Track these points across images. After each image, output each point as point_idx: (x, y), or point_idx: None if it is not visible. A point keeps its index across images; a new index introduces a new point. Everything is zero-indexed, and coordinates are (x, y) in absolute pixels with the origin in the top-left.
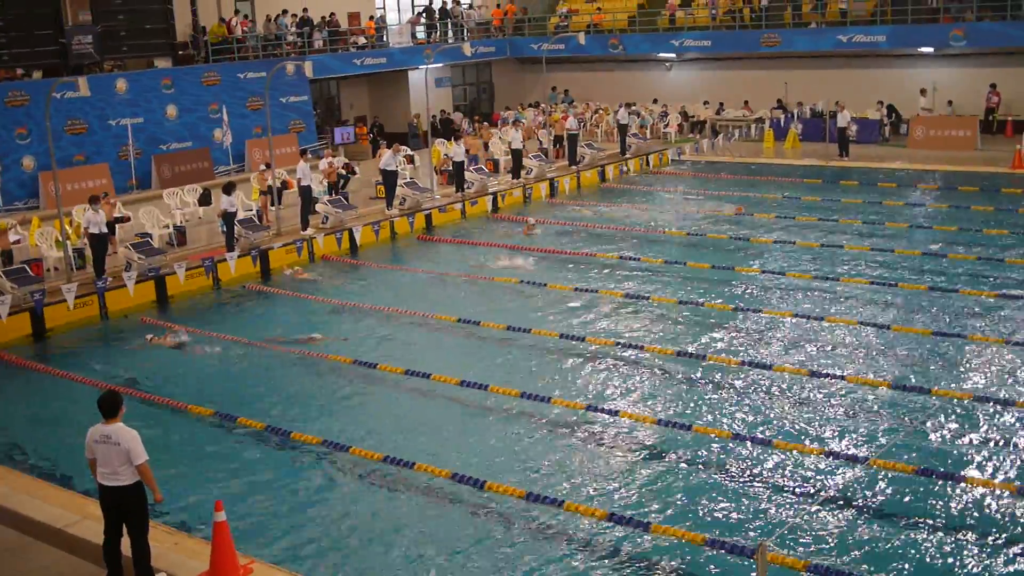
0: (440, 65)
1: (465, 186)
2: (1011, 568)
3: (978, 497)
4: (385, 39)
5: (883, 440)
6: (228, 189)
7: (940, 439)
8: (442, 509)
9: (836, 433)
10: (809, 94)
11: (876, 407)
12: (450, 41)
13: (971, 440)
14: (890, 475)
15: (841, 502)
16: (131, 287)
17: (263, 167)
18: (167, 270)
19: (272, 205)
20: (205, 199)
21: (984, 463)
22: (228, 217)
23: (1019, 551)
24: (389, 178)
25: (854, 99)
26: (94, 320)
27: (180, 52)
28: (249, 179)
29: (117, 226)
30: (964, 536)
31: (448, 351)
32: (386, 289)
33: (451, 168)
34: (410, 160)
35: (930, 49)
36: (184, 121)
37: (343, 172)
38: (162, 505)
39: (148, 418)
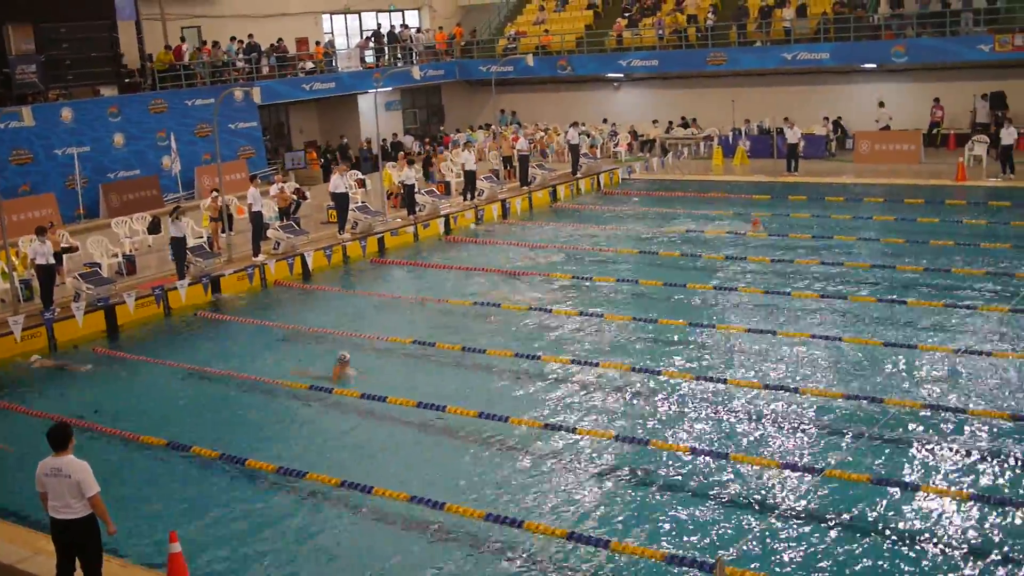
0: (389, 89)
1: (417, 209)
2: (966, 573)
3: (932, 505)
4: (334, 64)
5: (837, 451)
6: (176, 215)
7: (893, 449)
8: (401, 532)
9: (790, 445)
10: (756, 111)
11: (829, 418)
12: (399, 65)
13: (923, 449)
14: (845, 485)
15: (797, 514)
16: (80, 318)
17: (214, 193)
18: (117, 299)
19: (223, 231)
20: (154, 227)
21: (937, 471)
22: (177, 244)
23: (974, 558)
24: (340, 201)
25: (800, 115)
26: (43, 352)
27: (127, 80)
28: (199, 206)
29: (65, 256)
30: (919, 544)
31: (404, 373)
32: (340, 313)
33: (403, 191)
34: (361, 184)
35: (873, 65)
36: (132, 149)
37: (295, 197)
38: (116, 537)
39: (100, 449)
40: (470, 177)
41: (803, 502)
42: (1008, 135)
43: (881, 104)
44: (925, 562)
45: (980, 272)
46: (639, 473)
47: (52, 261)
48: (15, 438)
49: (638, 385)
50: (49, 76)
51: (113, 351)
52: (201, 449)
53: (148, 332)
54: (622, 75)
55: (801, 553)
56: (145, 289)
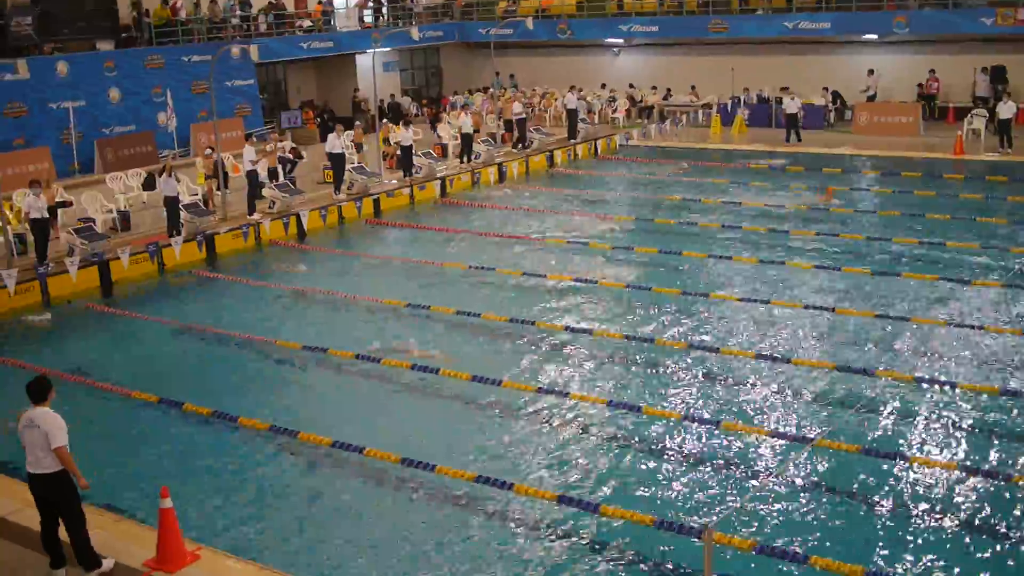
0: (388, 49)
1: (413, 171)
2: (952, 544)
3: (920, 476)
4: (332, 23)
5: (828, 421)
6: (165, 172)
7: (884, 420)
8: (391, 493)
9: (782, 414)
10: (755, 80)
11: (821, 389)
12: (398, 25)
13: (914, 420)
14: (835, 455)
15: (787, 482)
16: (74, 273)
17: (209, 151)
18: (111, 255)
19: (218, 189)
20: (149, 184)
21: (926, 443)
22: (170, 202)
23: (959, 527)
24: (336, 161)
25: (799, 85)
26: (36, 306)
27: (123, 35)
28: (195, 163)
29: (60, 211)
30: (906, 514)
31: (398, 336)
32: (334, 274)
33: (399, 153)
34: (358, 147)
35: (874, 36)
36: (127, 105)
37: (289, 157)
38: (107, 491)
39: (92, 404)
40: (467, 140)
41: (793, 471)
42: (1007, 109)
43: (870, 72)
44: (912, 531)
45: (975, 246)
46: (630, 439)
47: (46, 215)
48: (8, 392)
49: (631, 351)
50: (45, 29)
51: (107, 307)
52: (194, 406)
53: (142, 289)
54: (622, 40)
55: (790, 521)
56: (139, 245)
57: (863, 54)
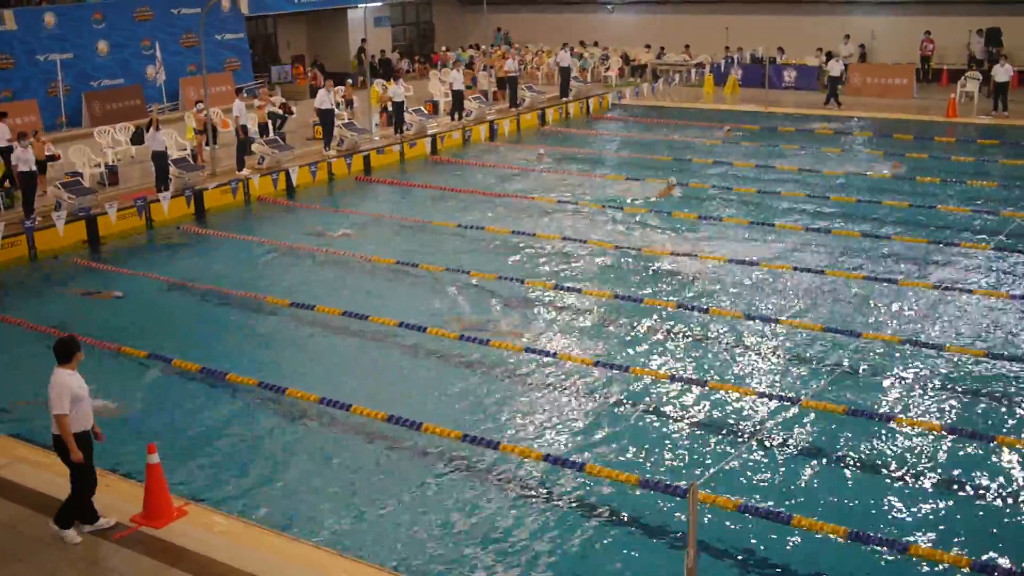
0: (380, 4)
1: (404, 128)
2: (936, 505)
3: (904, 437)
4: None
5: (814, 382)
6: (152, 126)
7: (870, 381)
8: (378, 451)
9: (769, 375)
10: (749, 40)
11: (808, 350)
12: None
13: (899, 382)
14: (820, 416)
15: (773, 442)
16: (61, 227)
17: (198, 105)
18: (98, 210)
19: (207, 144)
20: (138, 138)
21: (911, 404)
22: (157, 157)
23: (943, 488)
24: (325, 117)
25: (793, 45)
26: (23, 260)
27: None
28: (184, 118)
29: (47, 164)
30: (891, 475)
31: (386, 293)
32: (323, 231)
33: (390, 109)
34: (348, 104)
35: None
36: (116, 57)
37: (279, 112)
38: (95, 446)
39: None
40: (458, 97)
41: (779, 431)
42: (1003, 72)
43: (847, 37)
44: (894, 492)
45: (965, 210)
46: (617, 398)
47: (34, 168)
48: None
49: (619, 311)
50: None
51: (94, 262)
52: (182, 362)
53: (130, 244)
54: None
55: (774, 481)
56: (127, 200)
57: (858, 15)
